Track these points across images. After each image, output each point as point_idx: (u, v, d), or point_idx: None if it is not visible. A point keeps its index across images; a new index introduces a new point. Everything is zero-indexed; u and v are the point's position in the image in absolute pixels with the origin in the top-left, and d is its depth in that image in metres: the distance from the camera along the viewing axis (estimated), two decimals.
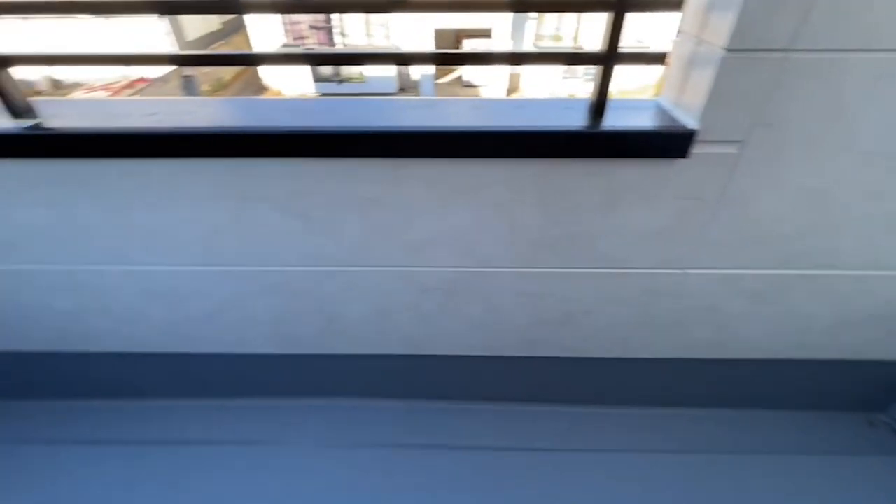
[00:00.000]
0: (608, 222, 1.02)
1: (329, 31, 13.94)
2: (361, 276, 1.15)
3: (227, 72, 16.42)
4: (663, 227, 1.03)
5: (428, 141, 0.90)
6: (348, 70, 14.28)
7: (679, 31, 0.90)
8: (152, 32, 13.16)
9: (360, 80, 13.77)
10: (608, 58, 0.87)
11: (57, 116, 0.95)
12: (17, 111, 0.95)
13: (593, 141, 0.90)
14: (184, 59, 0.99)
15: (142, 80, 12.90)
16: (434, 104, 1.02)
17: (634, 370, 1.38)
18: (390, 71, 14.16)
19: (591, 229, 1.04)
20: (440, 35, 13.91)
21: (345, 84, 13.89)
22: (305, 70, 14.26)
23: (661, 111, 0.95)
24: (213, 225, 1.05)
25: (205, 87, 15.24)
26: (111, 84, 13.09)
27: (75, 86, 13.74)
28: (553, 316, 1.23)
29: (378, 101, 1.05)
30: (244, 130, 0.90)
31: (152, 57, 0.97)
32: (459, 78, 15.35)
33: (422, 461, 1.35)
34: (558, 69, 14.60)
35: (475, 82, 15.19)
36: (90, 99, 1.04)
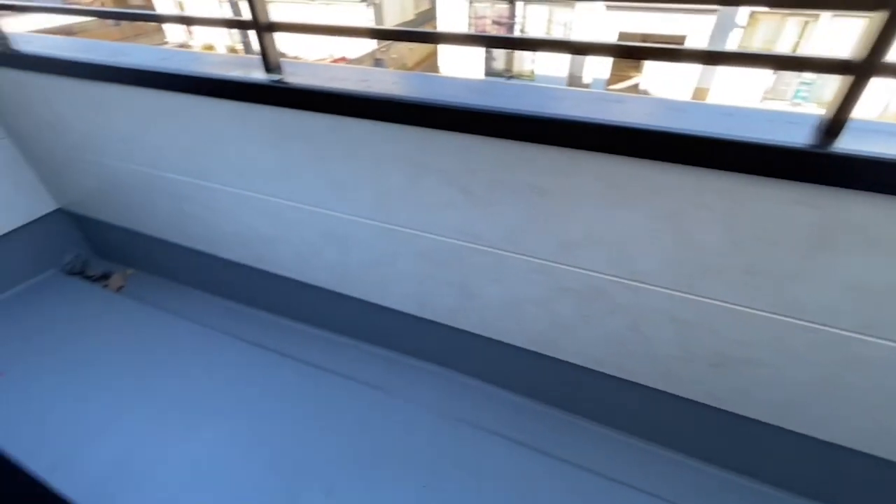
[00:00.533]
0: (812, 264, 0.86)
1: (511, 27, 14.26)
2: (505, 260, 1.16)
3: (410, 59, 17.94)
4: (891, 285, 0.82)
5: (610, 135, 0.86)
6: (519, 68, 14.47)
7: None
8: (357, 20, 15.04)
9: (530, 77, 13.83)
10: (865, 66, 0.72)
11: (295, 75, 1.16)
12: (269, 67, 1.18)
13: (819, 163, 0.75)
14: (387, 33, 1.11)
15: (343, 58, 14.84)
16: (624, 100, 0.97)
17: (798, 448, 1.15)
18: (561, 71, 13.93)
19: (786, 268, 0.88)
20: (625, 39, 13.11)
21: (513, 80, 14.14)
22: (479, 64, 14.85)
23: None
24: (389, 185, 1.17)
25: (390, 67, 16.92)
26: (319, 60, 15.38)
27: (293, 58, 16.52)
28: (705, 354, 1.09)
29: (562, 90, 1.04)
30: (430, 103, 0.98)
31: (371, 30, 1.11)
32: (636, 87, 14.30)
33: (516, 459, 1.33)
34: (758, 88, 12.56)
35: (654, 93, 14.00)
36: (319, 63, 1.24)
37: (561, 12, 13.48)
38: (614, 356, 1.22)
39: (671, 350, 1.13)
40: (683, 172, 0.86)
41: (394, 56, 16.82)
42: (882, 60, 0.70)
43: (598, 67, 13.40)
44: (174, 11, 14.92)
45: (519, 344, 1.35)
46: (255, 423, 1.43)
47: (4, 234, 1.82)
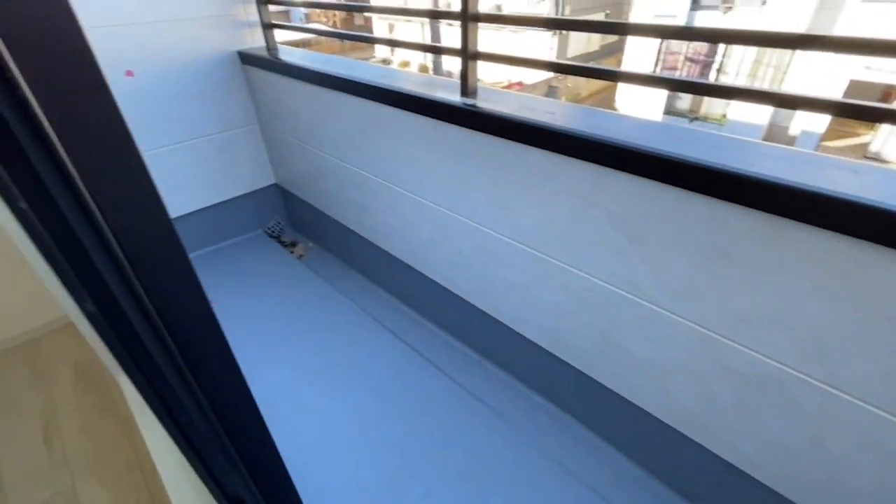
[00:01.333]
0: None
1: (707, 65, 12.97)
2: (663, 319, 1.06)
3: (586, 89, 17.68)
4: None
5: (839, 211, 0.73)
6: (707, 109, 13.01)
7: None
8: (541, 47, 15.39)
9: (720, 121, 12.32)
10: None
11: (488, 101, 1.25)
12: (466, 92, 1.29)
13: None
14: (566, 68, 1.11)
15: (519, 83, 15.36)
16: (860, 170, 0.81)
17: None
18: (760, 118, 12.09)
19: None
20: (858, 88, 10.82)
21: (697, 122, 12.77)
22: (660, 100, 13.85)
23: None
24: (552, 215, 1.17)
25: (562, 98, 16.93)
26: (495, 83, 16.18)
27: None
28: None
29: (775, 147, 0.92)
30: (614, 142, 0.95)
31: (565, 66, 1.13)
32: (864, 146, 11.71)
33: None
34: None
35: (887, 156, 11.23)
36: (511, 92, 1.31)
37: (772, 52, 11.78)
38: (777, 466, 1.01)
39: (864, 482, 0.89)
40: None
41: (569, 84, 16.78)
42: None
43: (810, 118, 11.33)
44: (387, 35, 17.33)
45: (654, 412, 1.21)
46: (377, 406, 1.56)
47: (235, 198, 2.34)
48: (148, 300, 0.38)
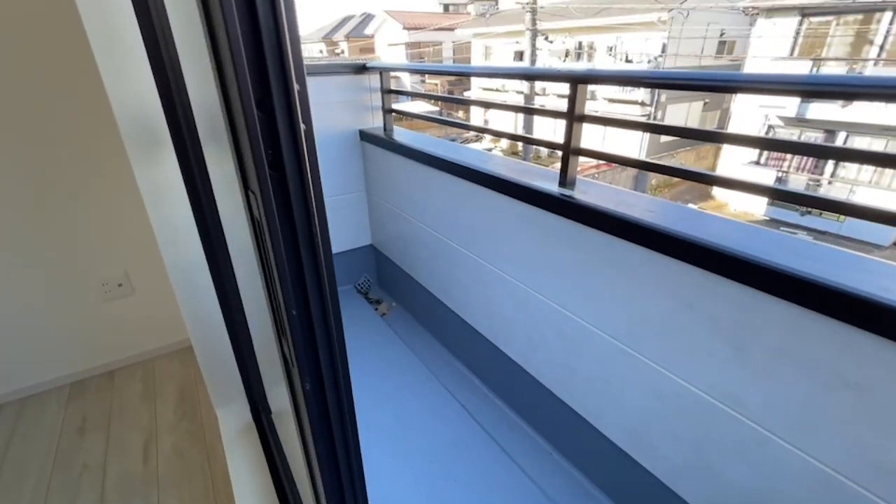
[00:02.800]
0: None
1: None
2: (771, 445, 0.95)
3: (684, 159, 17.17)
4: None
5: None
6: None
7: None
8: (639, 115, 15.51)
9: (837, 218, 11.08)
10: None
11: (585, 193, 1.30)
12: (564, 183, 1.35)
13: None
14: (656, 167, 1.12)
15: (608, 164, 15.42)
16: None
17: None
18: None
19: None
20: None
21: (810, 217, 11.60)
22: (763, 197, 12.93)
23: None
24: (647, 313, 1.14)
25: (653, 181, 16.54)
26: (584, 164, 16.38)
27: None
28: None
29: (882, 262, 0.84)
30: (711, 245, 0.93)
31: (655, 165, 1.15)
32: None
33: None
34: None
35: None
36: (608, 186, 1.35)
37: None
38: None
39: None
40: None
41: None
42: None
43: None
44: (482, 117, 18.66)
45: None
46: (444, 482, 1.52)
47: (337, 253, 2.57)
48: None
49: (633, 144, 15.04)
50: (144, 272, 2.20)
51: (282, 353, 0.60)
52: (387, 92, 2.27)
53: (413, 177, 2.03)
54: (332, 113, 2.26)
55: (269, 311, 0.62)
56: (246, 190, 0.50)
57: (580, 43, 17.04)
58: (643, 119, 15.24)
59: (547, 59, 15.34)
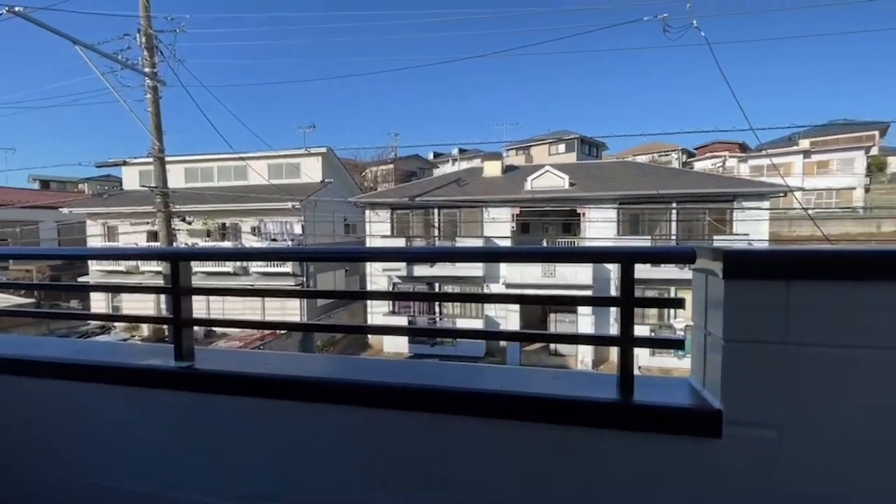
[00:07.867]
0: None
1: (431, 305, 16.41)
2: None
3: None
4: None
5: (468, 401, 1.05)
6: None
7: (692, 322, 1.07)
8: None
9: (451, 343, 15.02)
10: (624, 341, 1.03)
11: (205, 360, 1.30)
12: (180, 356, 1.32)
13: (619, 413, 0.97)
14: (311, 327, 1.36)
15: (273, 333, 15.41)
16: (476, 370, 1.21)
17: None
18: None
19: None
20: (527, 309, 15.45)
21: (436, 346, 15.22)
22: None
23: (691, 389, 1.02)
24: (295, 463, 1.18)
25: (319, 342, 17.54)
26: (249, 335, 15.78)
27: (223, 335, 16.79)
28: None
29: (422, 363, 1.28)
30: (315, 380, 1.15)
31: (292, 325, 1.35)
32: (546, 346, 15.93)
33: None
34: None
35: (562, 350, 15.57)
36: (228, 349, 1.41)
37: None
38: None
39: None
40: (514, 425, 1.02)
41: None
42: (634, 337, 1.03)
43: None
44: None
45: None
46: None
47: None
48: None
49: (294, 308, 15.84)
50: None
51: None
52: None
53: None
54: None
55: None
56: None
57: (224, 224, 17.63)
58: (297, 287, 16.51)
59: (188, 240, 14.86)
